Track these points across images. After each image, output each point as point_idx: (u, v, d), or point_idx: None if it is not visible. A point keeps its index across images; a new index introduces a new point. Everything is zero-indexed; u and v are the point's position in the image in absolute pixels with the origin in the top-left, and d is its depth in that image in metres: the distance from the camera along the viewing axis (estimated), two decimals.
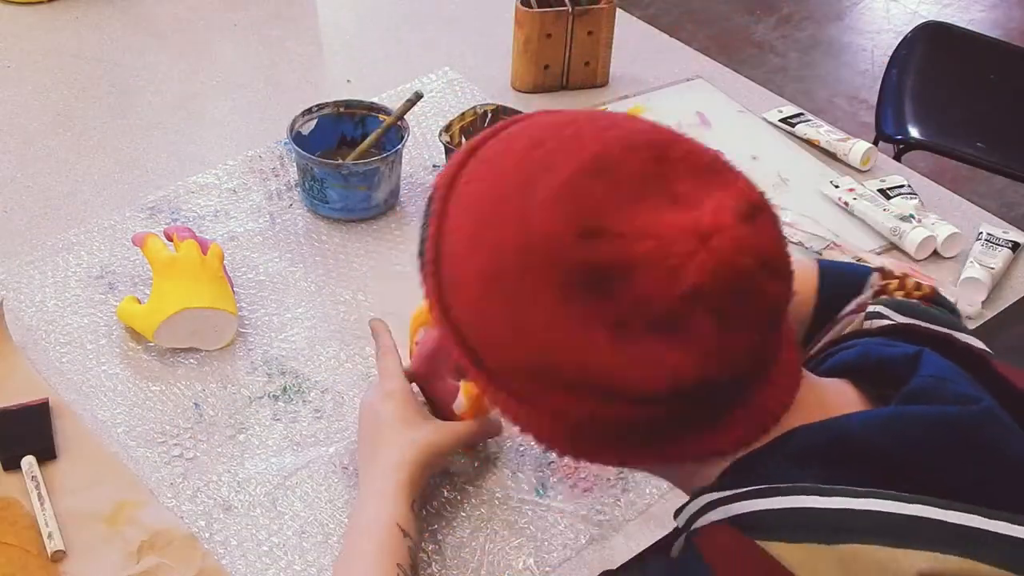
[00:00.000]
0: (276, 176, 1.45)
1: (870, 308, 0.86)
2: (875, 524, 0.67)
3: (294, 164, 1.43)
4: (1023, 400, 0.75)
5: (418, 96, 1.39)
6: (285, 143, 1.46)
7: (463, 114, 1.42)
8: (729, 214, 0.66)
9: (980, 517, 0.67)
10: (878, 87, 2.24)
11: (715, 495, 0.73)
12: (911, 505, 0.67)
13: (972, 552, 0.65)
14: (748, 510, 0.70)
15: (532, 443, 0.87)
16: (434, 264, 0.74)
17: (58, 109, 1.57)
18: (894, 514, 0.67)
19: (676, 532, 0.79)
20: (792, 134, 1.57)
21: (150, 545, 1.03)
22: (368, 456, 1.03)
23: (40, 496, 1.05)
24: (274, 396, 1.18)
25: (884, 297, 0.91)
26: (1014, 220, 1.49)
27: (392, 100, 1.50)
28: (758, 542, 0.68)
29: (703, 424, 0.71)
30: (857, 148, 1.50)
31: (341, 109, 1.42)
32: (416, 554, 0.98)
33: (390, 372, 1.07)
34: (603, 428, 0.71)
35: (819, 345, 0.88)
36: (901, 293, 0.95)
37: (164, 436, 1.14)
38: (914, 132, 2.10)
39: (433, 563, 1.04)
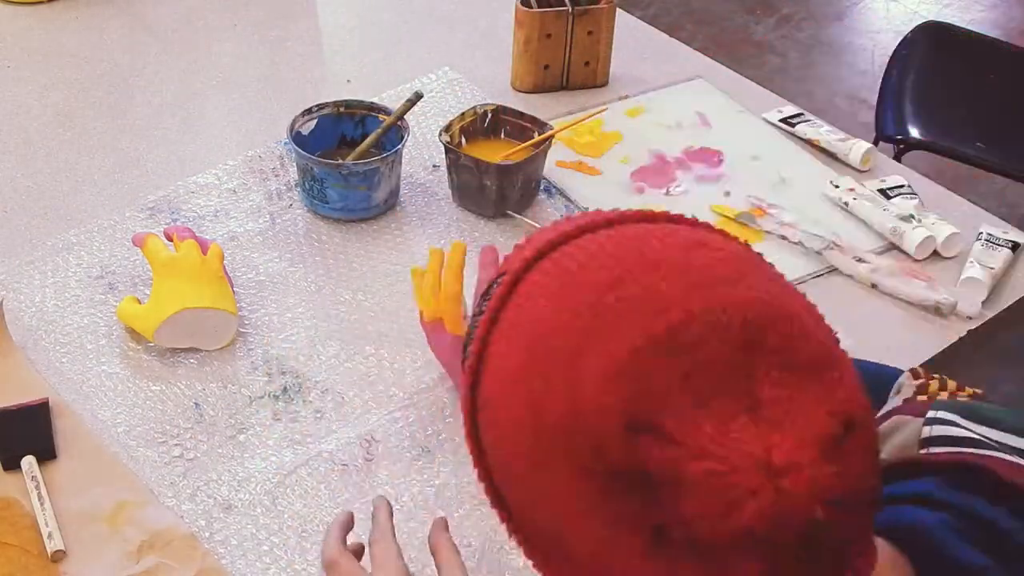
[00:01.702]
0: (276, 176, 1.45)
1: (930, 414, 0.75)
2: None
3: (294, 164, 1.43)
4: None
5: (418, 96, 1.39)
6: (285, 143, 1.46)
7: (463, 114, 1.42)
8: (812, 448, 0.55)
9: None
10: (878, 87, 2.24)
11: None
12: None
13: None
14: None
15: None
16: (473, 373, 0.65)
17: (58, 109, 1.57)
18: None
19: None
20: (792, 134, 1.57)
21: (150, 545, 1.03)
22: None
23: (40, 496, 1.05)
24: (274, 396, 1.18)
25: (945, 399, 0.79)
26: (1014, 220, 1.49)
27: (392, 100, 1.50)
28: None
29: None
30: (857, 148, 1.50)
31: (341, 109, 1.42)
32: None
33: (386, 566, 0.89)
34: None
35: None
36: (945, 394, 0.81)
37: (164, 436, 1.14)
38: (914, 132, 2.10)
39: (432, 563, 1.04)
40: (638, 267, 0.60)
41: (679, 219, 0.66)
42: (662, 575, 0.57)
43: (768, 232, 1.39)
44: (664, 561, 0.57)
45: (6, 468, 1.09)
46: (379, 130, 1.40)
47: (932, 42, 2.34)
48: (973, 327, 1.29)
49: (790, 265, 1.32)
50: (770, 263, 0.64)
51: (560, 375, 0.59)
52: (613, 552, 0.58)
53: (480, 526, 1.07)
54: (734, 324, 0.57)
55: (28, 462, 1.08)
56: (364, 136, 1.42)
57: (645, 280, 0.59)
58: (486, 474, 0.66)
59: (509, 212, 1.39)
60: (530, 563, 0.66)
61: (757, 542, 0.55)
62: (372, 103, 1.44)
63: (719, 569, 0.56)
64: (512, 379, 0.62)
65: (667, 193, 1.46)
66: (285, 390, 1.19)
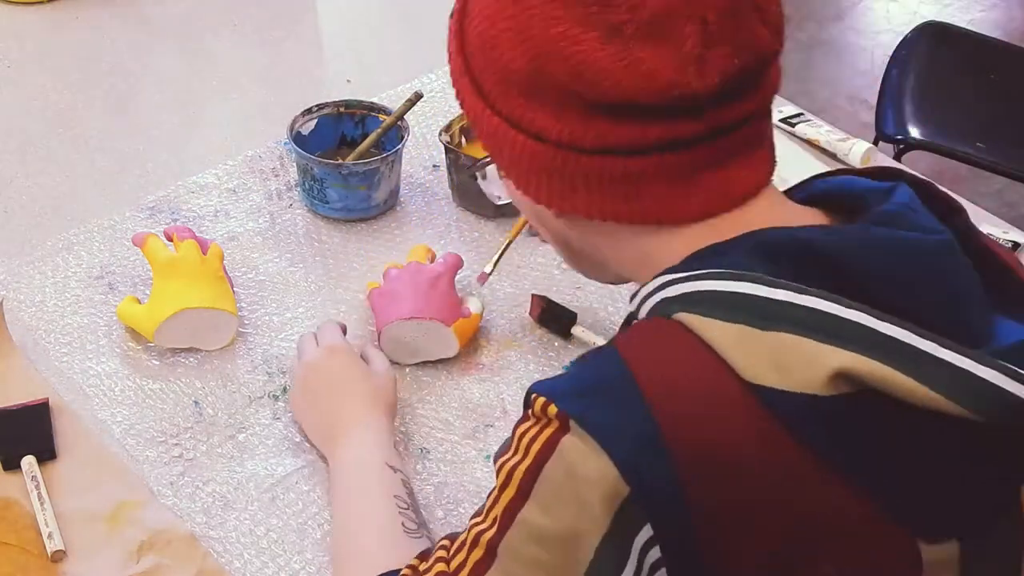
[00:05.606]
0: (276, 176, 1.45)
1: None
2: (811, 318, 0.69)
3: (294, 164, 1.43)
4: (982, 253, 0.78)
5: (418, 96, 1.39)
6: (285, 143, 1.46)
7: (463, 114, 1.42)
8: None
9: (910, 333, 0.69)
10: (878, 87, 2.24)
11: (670, 276, 0.75)
12: (849, 310, 0.69)
13: (893, 360, 0.67)
14: (695, 289, 0.73)
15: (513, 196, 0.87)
16: (461, 11, 0.81)
17: (58, 109, 1.57)
18: (830, 314, 0.69)
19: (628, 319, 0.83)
20: (792, 134, 1.57)
21: (150, 545, 1.03)
22: (330, 411, 1.09)
23: (40, 496, 1.05)
24: (274, 396, 1.18)
25: None
26: (1014, 220, 1.49)
27: (392, 100, 1.50)
28: (697, 315, 0.71)
29: (671, 172, 0.74)
30: (857, 148, 1.50)
31: (341, 109, 1.43)
32: (409, 483, 1.03)
33: (331, 333, 1.16)
34: (580, 159, 0.75)
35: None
36: None
37: (164, 436, 1.14)
38: (914, 132, 2.10)
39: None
40: None
41: None
42: (620, 61, 0.71)
43: None
44: (618, 50, 0.71)
45: (6, 468, 1.09)
46: (379, 130, 1.40)
47: (932, 42, 2.34)
48: None
49: None
50: None
51: None
52: (578, 49, 0.71)
53: None
54: None
55: (28, 462, 1.08)
56: (364, 136, 1.42)
57: None
58: (467, 69, 0.81)
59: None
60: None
61: (694, 2, 0.70)
62: (372, 103, 1.44)
63: (666, 40, 0.70)
64: None
65: None
66: (285, 390, 1.19)
